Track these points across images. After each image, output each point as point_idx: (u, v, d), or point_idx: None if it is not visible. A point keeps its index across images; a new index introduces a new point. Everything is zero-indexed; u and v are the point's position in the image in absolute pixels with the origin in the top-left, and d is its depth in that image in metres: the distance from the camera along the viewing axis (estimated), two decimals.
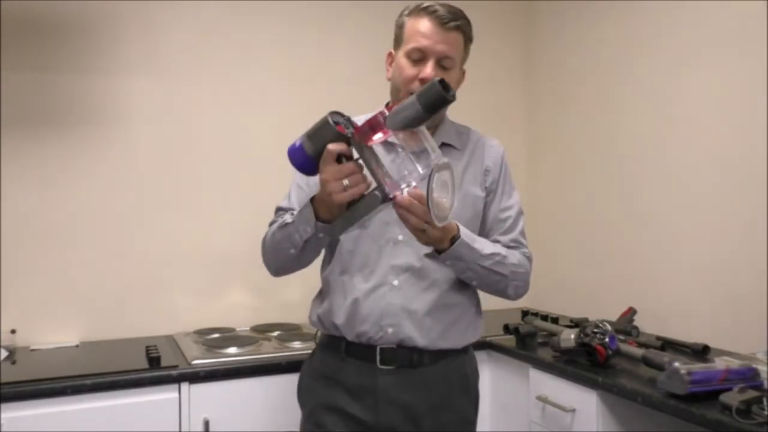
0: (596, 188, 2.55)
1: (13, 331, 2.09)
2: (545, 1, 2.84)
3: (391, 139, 1.16)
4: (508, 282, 1.47)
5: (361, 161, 1.20)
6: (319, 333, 1.58)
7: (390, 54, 1.49)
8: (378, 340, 1.44)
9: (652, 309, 2.25)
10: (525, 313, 2.51)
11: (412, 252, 1.44)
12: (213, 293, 2.43)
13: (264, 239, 1.50)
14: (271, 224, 1.51)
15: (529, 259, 1.54)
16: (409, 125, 1.14)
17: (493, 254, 1.42)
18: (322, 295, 1.56)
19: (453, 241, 1.34)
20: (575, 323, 2.17)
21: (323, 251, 1.52)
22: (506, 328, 2.24)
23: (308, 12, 2.56)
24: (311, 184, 1.45)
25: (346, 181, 1.18)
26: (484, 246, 1.42)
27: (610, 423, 1.75)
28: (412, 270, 1.44)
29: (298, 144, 1.24)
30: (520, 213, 1.56)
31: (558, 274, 2.75)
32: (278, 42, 2.54)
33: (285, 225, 1.41)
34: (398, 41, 1.47)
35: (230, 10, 2.45)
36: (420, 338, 1.44)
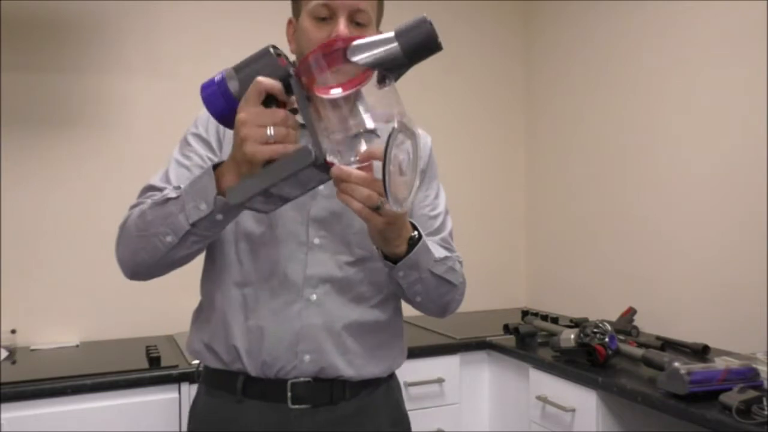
0: (596, 188, 2.55)
1: (13, 331, 2.09)
2: (545, 1, 2.84)
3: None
4: (455, 294, 1.19)
5: (298, 114, 0.88)
6: (202, 368, 1.22)
7: (290, 23, 1.23)
8: (290, 372, 1.12)
9: (652, 309, 2.25)
10: (525, 313, 2.51)
11: (331, 259, 1.15)
12: None
13: (123, 225, 1.10)
14: (133, 207, 1.12)
15: (462, 265, 1.24)
16: (380, 67, 0.85)
17: (445, 258, 1.15)
18: (207, 314, 1.19)
19: (411, 244, 1.04)
20: (575, 323, 2.17)
21: (204, 252, 1.16)
22: (506, 328, 2.24)
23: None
24: (197, 157, 1.16)
25: (270, 130, 0.86)
26: (434, 247, 1.14)
27: (610, 423, 1.75)
28: (332, 281, 1.15)
29: (218, 78, 0.90)
30: (448, 211, 1.30)
31: (558, 274, 2.75)
32: (279, 42, 2.53)
33: (165, 201, 1.02)
34: (298, 4, 1.18)
35: (230, 9, 2.45)
36: (345, 366, 1.15)
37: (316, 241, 1.15)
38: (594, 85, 2.56)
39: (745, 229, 1.96)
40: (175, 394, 1.81)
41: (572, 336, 1.84)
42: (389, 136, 0.81)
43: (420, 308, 1.19)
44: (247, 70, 0.89)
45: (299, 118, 0.90)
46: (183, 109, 2.43)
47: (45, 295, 2.19)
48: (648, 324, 2.23)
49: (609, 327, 1.83)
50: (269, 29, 2.54)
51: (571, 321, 2.31)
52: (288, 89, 0.89)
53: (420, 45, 0.85)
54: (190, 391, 1.82)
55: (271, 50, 0.89)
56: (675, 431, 1.63)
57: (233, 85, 0.89)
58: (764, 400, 1.39)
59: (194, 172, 1.05)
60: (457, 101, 2.79)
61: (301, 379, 1.13)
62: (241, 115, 0.87)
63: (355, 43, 0.85)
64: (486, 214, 2.88)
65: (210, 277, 1.19)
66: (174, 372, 1.81)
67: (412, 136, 0.87)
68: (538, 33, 2.90)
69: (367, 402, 1.19)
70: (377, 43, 0.85)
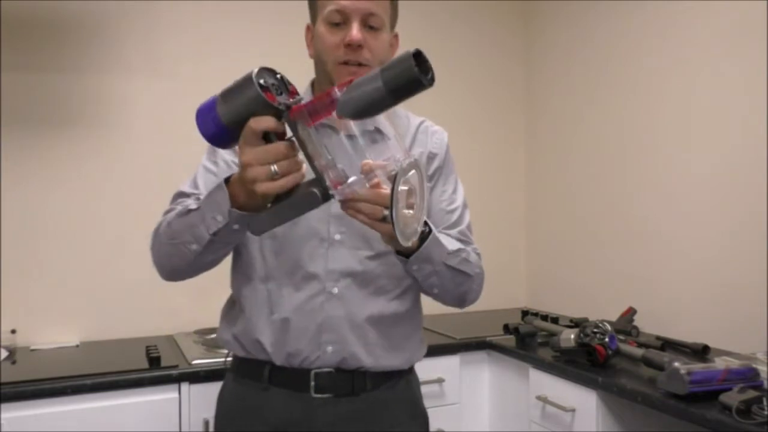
0: (596, 188, 2.56)
1: (13, 331, 2.08)
2: (545, 1, 2.84)
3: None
4: (471, 284, 1.23)
5: (294, 140, 0.90)
6: (230, 357, 1.30)
7: (308, 28, 1.27)
8: (314, 362, 1.19)
9: (652, 309, 2.25)
10: (525, 313, 2.51)
11: (351, 254, 1.20)
12: (213, 293, 2.42)
13: (156, 231, 1.17)
14: (167, 213, 1.18)
15: (480, 257, 1.29)
16: (367, 112, 0.85)
17: (458, 251, 1.19)
18: (236, 308, 1.26)
19: (422, 238, 1.09)
20: (575, 323, 2.17)
21: (234, 252, 1.25)
22: (506, 328, 2.24)
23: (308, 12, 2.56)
24: (223, 163, 1.22)
25: (274, 167, 0.88)
26: (447, 241, 1.18)
27: (610, 423, 1.75)
28: (353, 275, 1.20)
29: (210, 101, 0.92)
30: (466, 205, 1.34)
31: (558, 274, 2.75)
32: (279, 42, 2.54)
33: (188, 212, 1.09)
34: (314, 11, 1.23)
35: (230, 9, 2.45)
36: (366, 357, 1.20)
37: (337, 236, 1.20)
38: (594, 85, 2.56)
39: (745, 229, 1.96)
40: (175, 394, 1.81)
41: (572, 336, 1.84)
42: (393, 182, 0.85)
43: (438, 299, 1.24)
44: (233, 101, 0.90)
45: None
46: (183, 109, 2.43)
47: (45, 295, 2.19)
48: (648, 324, 2.23)
49: (609, 327, 1.83)
50: (269, 29, 2.55)
51: (571, 321, 2.31)
52: (280, 115, 0.90)
53: (405, 84, 0.82)
54: (190, 391, 1.82)
55: (255, 81, 0.88)
56: (675, 431, 1.63)
57: (222, 111, 0.91)
58: (764, 400, 1.39)
59: (221, 177, 1.08)
60: (456, 101, 2.79)
61: (324, 369, 1.19)
62: (245, 157, 0.90)
63: (341, 95, 0.85)
64: (486, 214, 2.87)
65: (237, 274, 1.25)
66: (174, 372, 1.81)
67: (415, 165, 0.90)
68: (537, 33, 2.90)
69: (388, 395, 1.24)
70: (362, 85, 0.84)
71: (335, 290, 1.19)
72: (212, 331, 2.29)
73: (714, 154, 2.07)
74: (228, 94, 0.91)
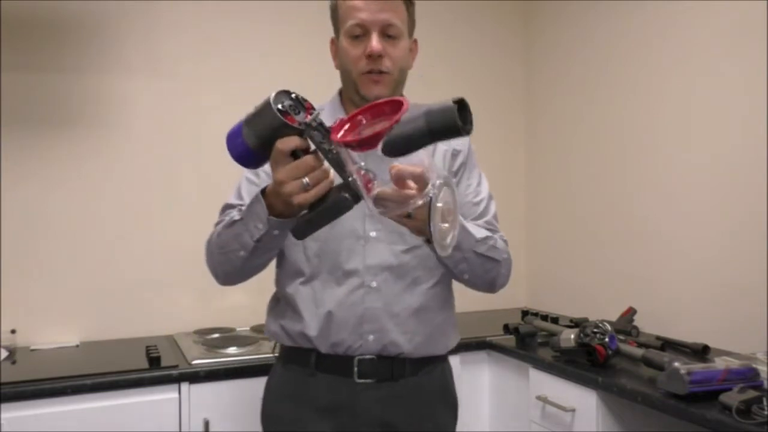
0: (596, 188, 2.55)
1: (13, 331, 2.08)
2: (545, 1, 2.84)
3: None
4: (499, 269, 1.32)
5: (318, 151, 1.00)
6: (277, 346, 1.42)
7: (332, 42, 1.38)
8: (357, 350, 1.29)
9: (652, 309, 2.25)
10: (525, 313, 2.51)
11: (387, 249, 1.30)
12: (213, 293, 2.43)
13: (208, 241, 1.30)
14: (217, 224, 1.31)
15: (507, 243, 1.37)
16: (407, 150, 0.91)
17: (486, 238, 1.27)
18: (282, 303, 1.37)
19: None
20: (575, 323, 2.17)
21: (279, 255, 1.35)
22: (506, 328, 2.24)
23: (309, 12, 2.56)
24: (264, 174, 1.30)
25: (306, 179, 0.99)
26: (475, 230, 1.26)
27: (610, 423, 1.75)
28: (390, 269, 1.30)
29: (237, 127, 1.03)
30: (491, 197, 1.42)
31: (558, 274, 2.75)
32: (279, 42, 2.54)
33: (232, 223, 1.21)
34: (336, 25, 1.34)
35: (230, 10, 2.45)
36: (405, 343, 1.30)
37: (373, 234, 1.30)
38: (594, 85, 2.56)
39: (745, 229, 1.95)
40: (175, 394, 1.81)
41: (572, 336, 1.84)
42: (430, 202, 0.92)
43: (469, 285, 1.33)
44: (256, 127, 1.00)
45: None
46: (183, 109, 2.44)
47: (45, 295, 2.19)
48: (648, 324, 2.23)
49: (609, 327, 1.83)
50: (269, 29, 2.55)
51: (571, 321, 2.31)
52: (301, 133, 0.99)
53: (445, 129, 0.89)
54: (190, 391, 1.82)
55: (273, 106, 0.97)
56: (675, 431, 1.63)
57: (248, 136, 1.01)
58: (764, 400, 1.39)
59: (261, 185, 1.17)
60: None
61: (367, 356, 1.30)
62: (278, 176, 1.01)
63: (386, 139, 0.90)
64: None
65: (283, 273, 1.36)
66: (174, 372, 1.81)
67: (448, 182, 0.95)
68: (538, 33, 2.90)
69: (424, 381, 1.35)
70: (406, 124, 0.90)
71: (374, 284, 1.29)
72: (212, 331, 2.29)
73: (714, 154, 2.07)
74: (251, 120, 1.01)
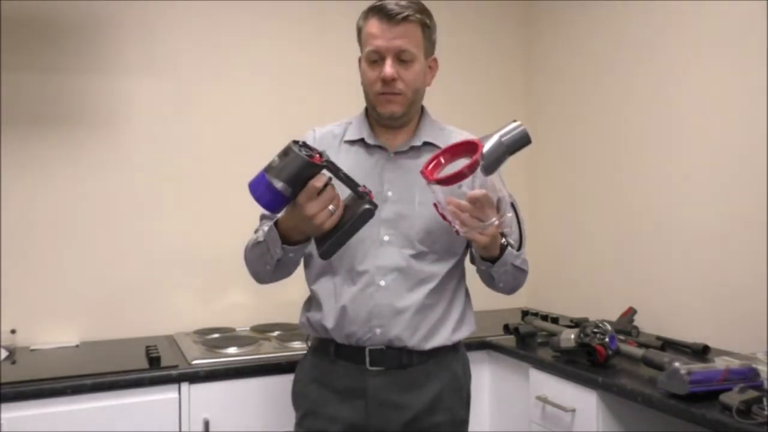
0: (596, 188, 2.56)
1: (13, 331, 2.08)
2: (545, 1, 2.84)
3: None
4: (524, 277, 1.52)
5: (332, 179, 1.22)
6: (310, 336, 1.59)
7: (359, 61, 1.50)
8: (366, 341, 1.44)
9: (652, 309, 2.25)
10: (525, 313, 2.51)
11: (397, 252, 1.45)
12: (213, 293, 2.43)
13: (245, 248, 1.50)
14: (255, 231, 1.50)
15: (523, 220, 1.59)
16: (494, 168, 1.24)
17: (521, 252, 1.46)
18: (310, 299, 1.57)
19: (502, 247, 1.38)
20: (575, 323, 2.17)
21: (306, 257, 1.53)
22: (506, 328, 2.24)
23: (309, 12, 2.56)
24: None
25: (331, 207, 1.22)
26: (514, 243, 1.45)
27: (610, 423, 1.75)
28: (398, 270, 1.44)
29: (260, 176, 1.20)
30: (510, 195, 1.57)
31: (558, 274, 2.75)
32: (279, 42, 2.54)
33: (257, 243, 1.41)
34: (360, 46, 1.48)
35: (230, 9, 2.45)
36: (408, 338, 1.44)
37: (386, 238, 1.45)
38: (594, 86, 2.56)
39: (746, 230, 1.95)
40: (175, 394, 1.81)
41: (572, 336, 1.84)
42: (513, 208, 1.43)
43: (499, 290, 1.53)
44: (293, 179, 1.18)
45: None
46: (183, 109, 2.44)
47: (45, 295, 2.19)
48: (648, 324, 2.23)
49: (609, 327, 1.83)
50: (269, 29, 2.55)
51: (571, 321, 2.31)
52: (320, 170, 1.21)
53: (519, 146, 1.26)
54: (189, 391, 1.82)
55: (303, 155, 1.17)
56: (675, 431, 1.63)
57: (286, 190, 1.19)
58: (764, 400, 1.39)
59: None
60: (457, 101, 2.78)
61: (377, 347, 1.45)
62: (310, 211, 1.21)
63: (482, 163, 1.20)
64: None
65: (311, 273, 1.53)
66: (174, 372, 1.81)
67: (513, 206, 1.32)
68: (538, 33, 2.90)
69: (431, 369, 1.48)
70: (492, 152, 1.23)
71: (383, 283, 1.44)
72: (212, 331, 2.29)
73: (714, 153, 2.07)
74: (277, 167, 1.18)
